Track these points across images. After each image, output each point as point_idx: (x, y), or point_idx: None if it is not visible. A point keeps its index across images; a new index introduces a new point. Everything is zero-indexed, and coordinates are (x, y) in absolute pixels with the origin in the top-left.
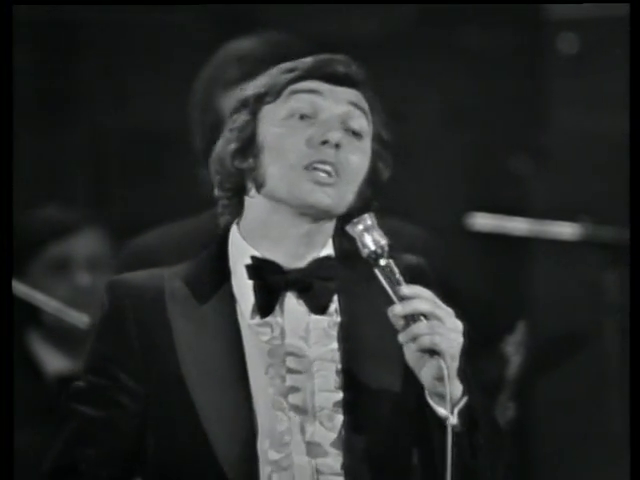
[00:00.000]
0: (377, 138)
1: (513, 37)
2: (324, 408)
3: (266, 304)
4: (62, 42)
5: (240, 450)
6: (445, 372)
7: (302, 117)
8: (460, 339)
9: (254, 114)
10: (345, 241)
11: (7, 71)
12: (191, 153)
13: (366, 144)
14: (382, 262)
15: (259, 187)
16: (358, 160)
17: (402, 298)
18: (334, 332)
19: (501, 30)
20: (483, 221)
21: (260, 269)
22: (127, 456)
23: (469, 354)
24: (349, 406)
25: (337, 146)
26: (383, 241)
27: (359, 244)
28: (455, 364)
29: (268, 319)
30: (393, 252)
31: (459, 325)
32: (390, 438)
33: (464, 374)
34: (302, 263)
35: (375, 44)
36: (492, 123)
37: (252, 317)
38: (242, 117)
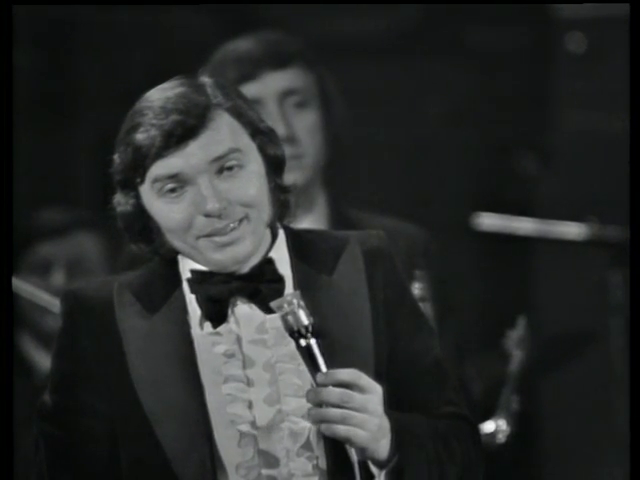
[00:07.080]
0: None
1: (521, 37)
2: (290, 413)
3: (216, 315)
4: (62, 42)
5: (198, 471)
6: (354, 459)
7: (173, 191)
8: (374, 424)
9: (136, 196)
10: (299, 238)
11: (7, 71)
12: None
13: (252, 161)
14: (302, 343)
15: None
16: (254, 186)
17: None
18: None
19: (508, 29)
20: (489, 221)
21: (201, 282)
22: (102, 475)
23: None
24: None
25: (220, 216)
26: (306, 321)
27: (282, 322)
28: (373, 445)
29: (220, 329)
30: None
31: (378, 410)
32: None
33: (396, 430)
34: (245, 269)
35: (382, 44)
36: (499, 123)
37: (201, 327)
38: (126, 199)
